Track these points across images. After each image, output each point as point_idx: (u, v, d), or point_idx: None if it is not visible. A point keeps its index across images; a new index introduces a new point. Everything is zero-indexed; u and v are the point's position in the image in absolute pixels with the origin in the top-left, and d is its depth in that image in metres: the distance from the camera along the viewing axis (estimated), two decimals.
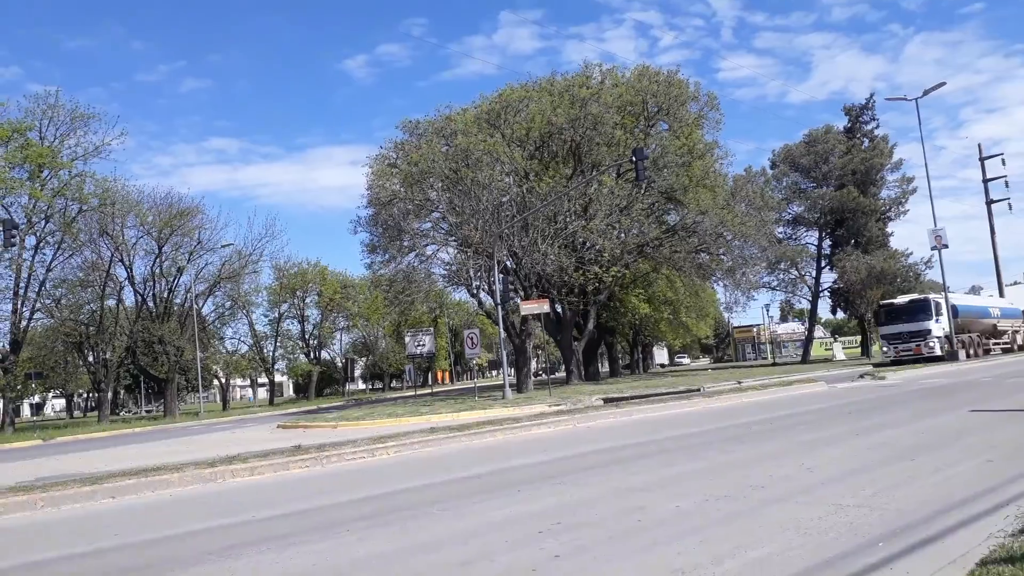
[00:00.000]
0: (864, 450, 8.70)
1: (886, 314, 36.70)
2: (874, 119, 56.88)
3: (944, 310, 34.03)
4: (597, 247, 32.64)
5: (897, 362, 33.62)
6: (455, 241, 34.36)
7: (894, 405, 14.47)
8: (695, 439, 11.31)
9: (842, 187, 52.96)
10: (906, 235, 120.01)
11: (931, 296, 35.81)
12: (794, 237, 57.44)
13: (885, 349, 36.99)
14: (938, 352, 33.13)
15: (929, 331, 33.96)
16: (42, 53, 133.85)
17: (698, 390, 23.25)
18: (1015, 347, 40.32)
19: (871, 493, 6.12)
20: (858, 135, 56.32)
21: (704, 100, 37.29)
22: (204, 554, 5.83)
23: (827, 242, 56.47)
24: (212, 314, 53.92)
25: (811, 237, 57.65)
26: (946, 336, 33.58)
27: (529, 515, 6.37)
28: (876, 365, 34.22)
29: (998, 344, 39.29)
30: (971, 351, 35.39)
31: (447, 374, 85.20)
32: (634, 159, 24.17)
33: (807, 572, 4.14)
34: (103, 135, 41.29)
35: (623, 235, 34.35)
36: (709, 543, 4.94)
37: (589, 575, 4.44)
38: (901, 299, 37.29)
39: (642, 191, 32.47)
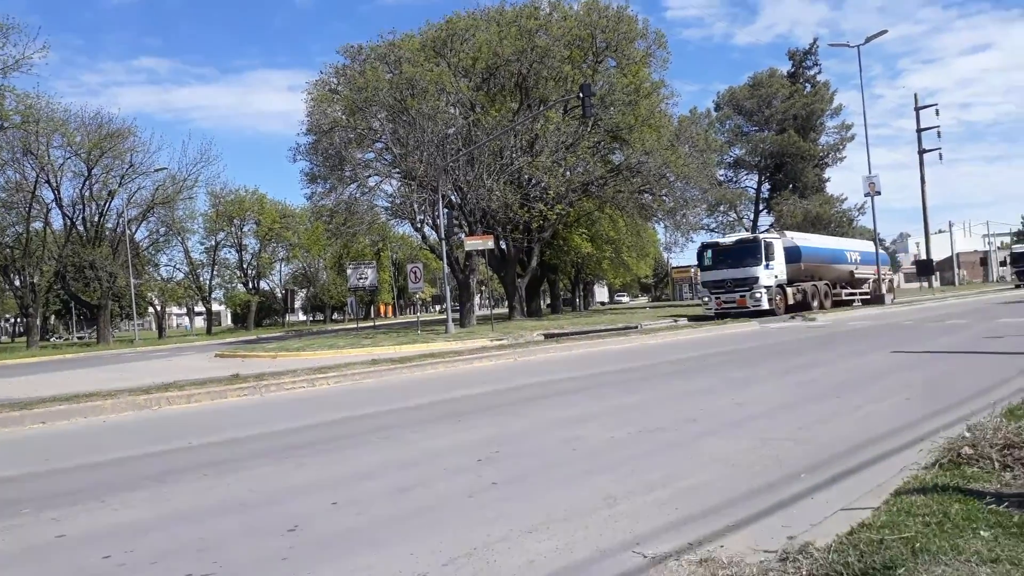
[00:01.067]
0: (792, 387, 9.05)
1: (712, 256, 29.45)
2: (817, 64, 57.68)
3: (776, 254, 28.17)
4: (542, 184, 32.55)
5: (722, 315, 27.31)
6: (399, 173, 33.80)
7: (822, 345, 15.02)
8: (631, 374, 11.58)
9: (783, 131, 53.80)
10: (841, 181, 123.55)
11: (763, 235, 29.25)
12: (734, 180, 58.41)
13: (706, 300, 29.67)
14: (765, 305, 26.77)
15: (756, 279, 27.24)
16: None
17: (636, 327, 23.73)
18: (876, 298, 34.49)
19: (797, 427, 6.39)
20: (801, 80, 57.02)
21: (652, 38, 36.99)
22: (140, 479, 5.78)
23: (766, 186, 57.59)
24: (146, 240, 52.47)
25: (751, 180, 58.73)
26: (777, 286, 27.99)
27: (468, 444, 6.47)
28: (692, 318, 28.27)
29: (854, 294, 33.61)
30: (817, 302, 30.02)
31: (390, 308, 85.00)
32: (581, 95, 24.00)
33: (734, 501, 4.32)
34: (23, 48, 39.03)
35: (568, 173, 34.28)
36: (641, 472, 5.10)
37: (525, 501, 4.55)
38: (727, 239, 30.71)
39: (588, 128, 32.34)
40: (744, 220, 57.74)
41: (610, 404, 8.43)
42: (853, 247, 35.21)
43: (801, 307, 28.96)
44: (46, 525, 4.58)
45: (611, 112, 33.59)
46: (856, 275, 33.50)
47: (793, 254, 29.51)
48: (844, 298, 32.46)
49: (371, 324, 50.77)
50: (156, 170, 46.39)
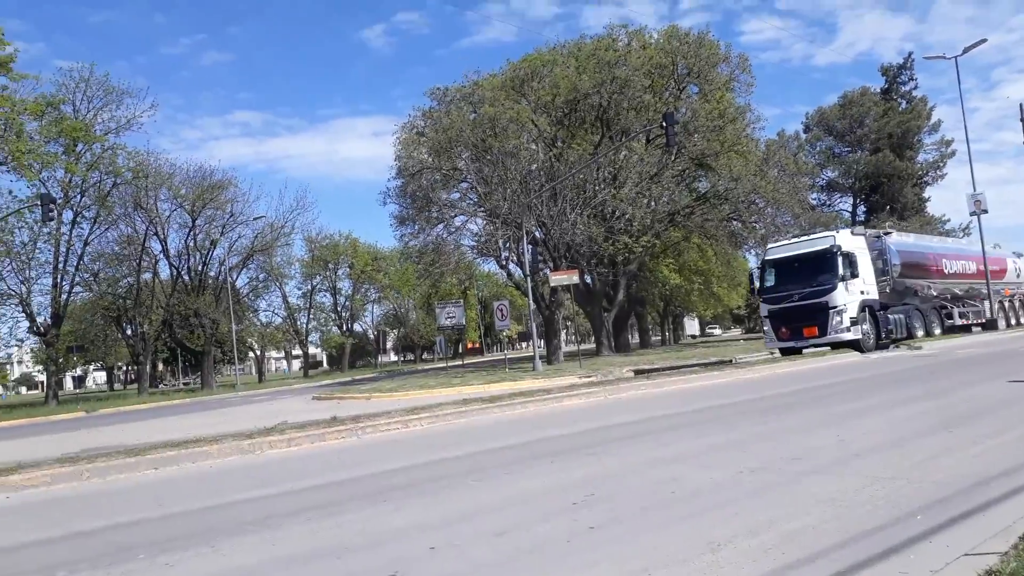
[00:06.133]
0: (900, 421, 8.60)
1: None
2: (912, 79, 55.68)
3: None
4: (627, 216, 32.44)
5: None
6: (483, 211, 34.35)
7: (930, 375, 14.27)
8: (727, 410, 11.27)
9: (878, 151, 51.98)
10: (941, 201, 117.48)
11: None
12: (828, 203, 56.66)
13: None
14: None
15: None
16: (66, 28, 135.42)
17: (730, 361, 23.13)
18: None
19: (908, 465, 6.05)
20: (895, 96, 55.11)
21: (735, 62, 36.71)
22: (243, 524, 5.95)
23: (861, 208, 55.56)
24: (246, 287, 54.81)
25: (845, 203, 56.88)
26: None
27: (562, 486, 6.40)
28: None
29: None
30: None
31: (477, 346, 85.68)
32: (664, 124, 23.88)
33: (844, 544, 4.12)
34: (134, 109, 41.90)
35: (653, 203, 34.07)
36: (744, 515, 4.93)
37: (624, 546, 4.46)
38: None
39: (672, 157, 32.15)
40: None
41: (707, 442, 8.21)
42: None
43: None
44: (160, 570, 4.77)
45: (695, 139, 33.32)
46: None
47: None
48: None
49: (460, 363, 51.28)
50: (255, 219, 48.67)
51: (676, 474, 6.48)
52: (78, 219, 42.45)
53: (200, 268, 48.93)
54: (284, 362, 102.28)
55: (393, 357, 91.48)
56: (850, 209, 56.05)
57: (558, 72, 33.62)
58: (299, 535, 5.46)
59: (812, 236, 25.53)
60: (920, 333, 25.72)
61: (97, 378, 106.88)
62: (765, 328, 25.30)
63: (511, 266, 38.12)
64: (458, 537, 4.97)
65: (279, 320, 64.23)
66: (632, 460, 7.46)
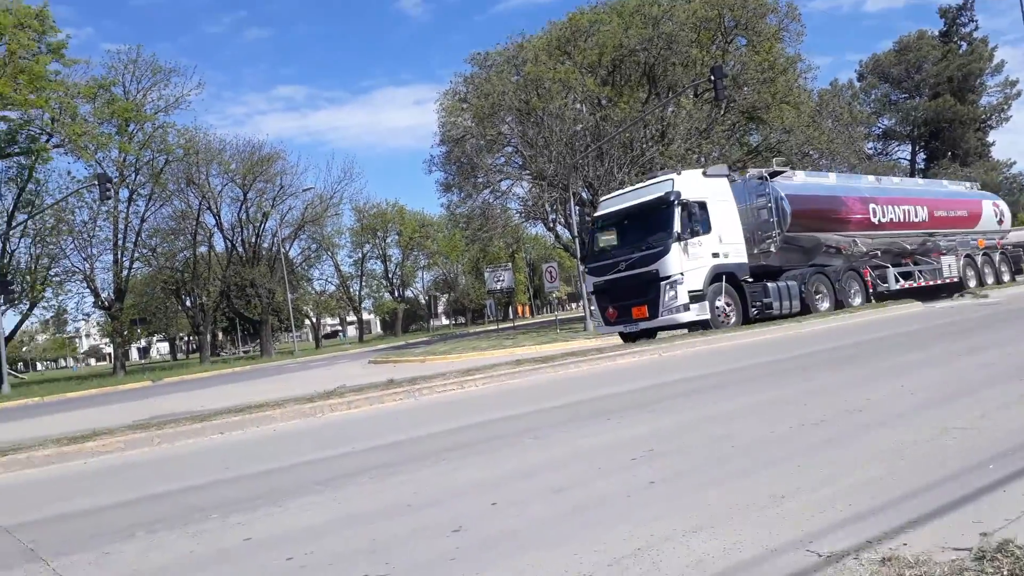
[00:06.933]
0: (967, 371, 8.35)
1: None
2: (973, 20, 53.21)
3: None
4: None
5: None
6: (529, 175, 34.16)
7: (998, 324, 13.82)
8: (785, 365, 11.10)
9: (937, 96, 50.04)
10: (1006, 145, 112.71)
11: None
12: (885, 152, 54.92)
13: None
14: None
15: None
16: (111, 12, 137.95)
17: None
18: None
19: (978, 415, 5.88)
20: (955, 39, 52.83)
21: (784, 11, 35.62)
22: (310, 484, 6.10)
23: (921, 156, 53.73)
24: (299, 257, 55.80)
25: (903, 152, 55.10)
26: None
27: (619, 443, 6.40)
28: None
29: None
30: None
31: (527, 308, 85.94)
32: (712, 78, 23.33)
33: (914, 494, 4.03)
34: (182, 87, 42.66)
35: (703, 160, 33.41)
36: (805, 469, 4.86)
37: (685, 500, 4.44)
38: None
39: (722, 111, 31.43)
40: None
41: (765, 397, 8.11)
42: None
43: None
44: (233, 529, 4.93)
45: (745, 92, 32.52)
46: None
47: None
48: None
49: (511, 325, 51.46)
50: (304, 190, 49.35)
51: (734, 429, 6.42)
52: (134, 197, 43.68)
53: (253, 240, 49.87)
54: (339, 328, 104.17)
55: (444, 321, 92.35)
56: (908, 158, 54.26)
57: (602, 31, 33.01)
58: (363, 494, 5.58)
59: (649, 182, 19.06)
60: (824, 306, 19.69)
61: (160, 348, 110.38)
62: (592, 308, 20.09)
63: (559, 228, 37.96)
64: (518, 494, 5.01)
65: (332, 288, 65.36)
66: (688, 416, 7.42)
